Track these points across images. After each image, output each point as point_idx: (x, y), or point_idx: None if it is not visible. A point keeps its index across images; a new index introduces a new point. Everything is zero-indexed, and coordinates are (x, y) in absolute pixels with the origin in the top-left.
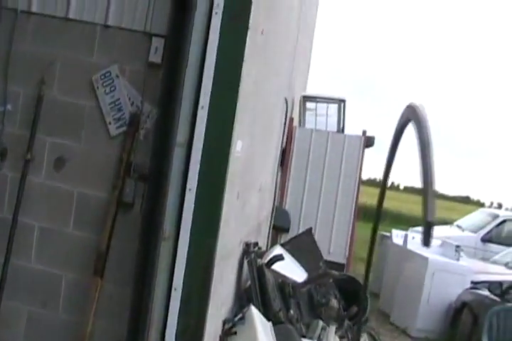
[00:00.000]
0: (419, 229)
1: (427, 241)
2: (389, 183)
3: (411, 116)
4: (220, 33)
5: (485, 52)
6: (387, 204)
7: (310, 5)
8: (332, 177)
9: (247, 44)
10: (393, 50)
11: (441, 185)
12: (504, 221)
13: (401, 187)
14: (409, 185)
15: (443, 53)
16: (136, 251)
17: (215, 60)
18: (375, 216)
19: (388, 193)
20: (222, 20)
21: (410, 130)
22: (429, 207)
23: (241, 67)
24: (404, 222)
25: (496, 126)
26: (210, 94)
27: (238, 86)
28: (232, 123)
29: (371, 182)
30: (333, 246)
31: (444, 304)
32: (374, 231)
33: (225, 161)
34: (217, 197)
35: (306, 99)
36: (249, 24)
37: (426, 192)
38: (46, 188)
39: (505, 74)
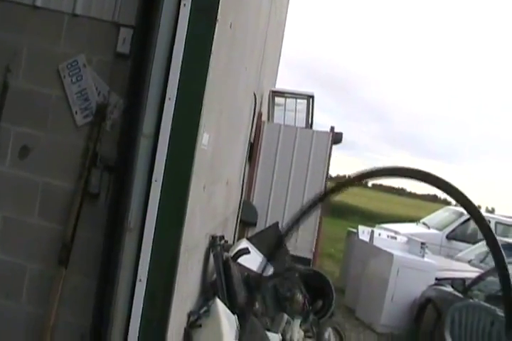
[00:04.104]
0: (387, 225)
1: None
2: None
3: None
4: (188, 25)
5: (457, 52)
6: (355, 201)
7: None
8: (300, 172)
9: (215, 37)
10: (366, 49)
11: (410, 184)
12: (469, 219)
13: (369, 184)
14: (377, 182)
15: (415, 54)
16: (101, 242)
17: (182, 52)
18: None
19: (356, 190)
20: (190, 12)
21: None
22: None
23: (209, 60)
24: (372, 218)
25: (465, 127)
26: (177, 85)
27: (206, 78)
28: (199, 116)
29: (339, 179)
30: (300, 241)
31: (409, 300)
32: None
33: (192, 153)
34: (183, 189)
35: (275, 94)
36: (218, 17)
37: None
38: (10, 177)
39: (474, 78)
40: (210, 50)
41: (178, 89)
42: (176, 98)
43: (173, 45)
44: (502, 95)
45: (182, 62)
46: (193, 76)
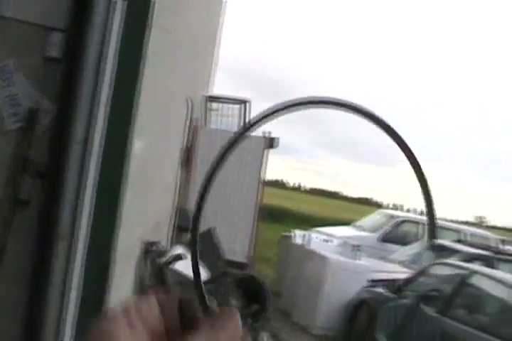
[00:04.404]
0: (321, 229)
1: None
2: (293, 184)
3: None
4: (120, 30)
5: (405, 52)
6: (290, 204)
7: (216, 4)
8: (235, 177)
9: (149, 42)
10: (304, 53)
11: (344, 187)
12: (401, 222)
13: (306, 188)
14: (314, 186)
15: (355, 56)
16: (32, 250)
17: (114, 57)
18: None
19: (292, 194)
20: (123, 16)
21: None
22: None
23: (142, 65)
24: (307, 222)
25: (411, 133)
26: (109, 91)
27: (138, 84)
28: (132, 122)
29: (275, 184)
30: (236, 246)
31: (344, 302)
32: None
33: (124, 159)
34: (116, 196)
35: (210, 99)
36: (152, 22)
37: None
38: None
39: (423, 80)
40: (144, 55)
41: (110, 95)
42: (108, 104)
43: (105, 50)
44: (458, 102)
45: (114, 67)
46: (126, 81)
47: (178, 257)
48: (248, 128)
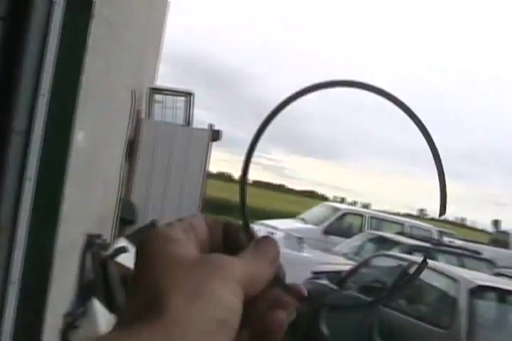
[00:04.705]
0: (266, 221)
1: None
2: (238, 177)
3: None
4: (62, 21)
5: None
6: (235, 197)
7: None
8: (179, 169)
9: (91, 32)
10: (250, 47)
11: (289, 180)
12: (344, 214)
13: (251, 181)
14: (259, 179)
15: (301, 51)
16: None
17: (57, 48)
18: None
19: (237, 187)
20: (64, 7)
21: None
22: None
23: (84, 56)
24: (252, 215)
25: (352, 127)
26: (51, 82)
27: (80, 74)
28: (74, 112)
29: (221, 176)
30: None
31: None
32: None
33: (66, 151)
34: (58, 188)
35: (154, 91)
36: (94, 12)
37: None
38: None
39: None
40: (85, 46)
41: (51, 85)
42: (50, 94)
43: (47, 40)
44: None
45: (56, 58)
46: (68, 72)
47: (122, 250)
48: (286, 104)
